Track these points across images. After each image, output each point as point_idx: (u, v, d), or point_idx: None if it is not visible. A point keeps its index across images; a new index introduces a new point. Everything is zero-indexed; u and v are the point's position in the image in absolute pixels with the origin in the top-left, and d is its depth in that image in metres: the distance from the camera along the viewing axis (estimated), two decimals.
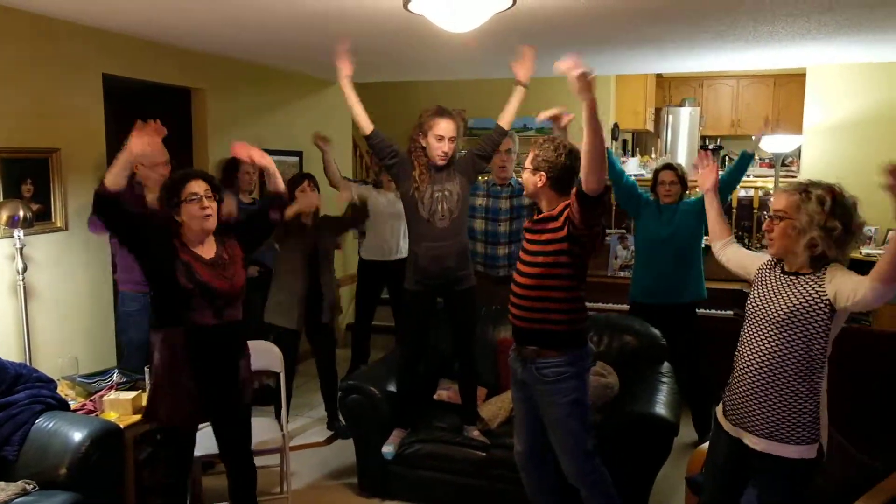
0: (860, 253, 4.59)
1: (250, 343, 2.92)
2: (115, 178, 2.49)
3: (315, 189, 4.11)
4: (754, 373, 2.27)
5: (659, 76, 9.20)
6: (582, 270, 2.69)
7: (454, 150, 3.36)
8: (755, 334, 2.29)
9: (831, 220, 2.15)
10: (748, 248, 4.69)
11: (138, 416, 3.02)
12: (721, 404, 2.46)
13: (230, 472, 2.89)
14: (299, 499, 3.55)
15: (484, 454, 3.36)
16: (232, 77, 4.88)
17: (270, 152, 5.12)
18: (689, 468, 2.92)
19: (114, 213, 2.53)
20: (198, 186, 2.61)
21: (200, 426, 2.87)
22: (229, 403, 2.76)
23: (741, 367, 2.33)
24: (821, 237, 2.16)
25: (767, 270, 2.36)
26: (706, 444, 2.94)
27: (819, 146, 5.32)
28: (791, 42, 4.14)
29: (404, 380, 3.55)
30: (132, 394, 3.09)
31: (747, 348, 2.32)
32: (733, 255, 2.58)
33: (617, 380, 3.49)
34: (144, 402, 3.10)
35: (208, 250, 2.70)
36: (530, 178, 2.69)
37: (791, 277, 2.25)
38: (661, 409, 3.09)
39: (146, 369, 3.19)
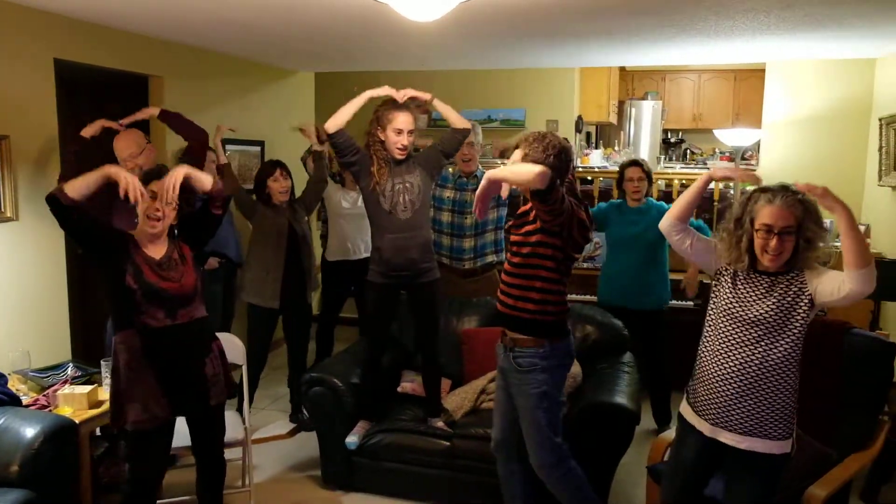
0: None
1: None
2: (78, 191, 2.43)
3: (288, 177, 4.09)
4: (740, 375, 2.27)
5: (622, 69, 9.28)
6: (564, 264, 2.68)
7: (412, 143, 3.34)
8: (737, 336, 2.29)
9: (819, 227, 2.23)
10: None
11: (94, 411, 2.95)
12: (687, 403, 2.47)
13: (200, 466, 2.86)
14: (262, 492, 3.51)
15: (448, 444, 3.36)
16: (191, 65, 4.78)
17: (232, 142, 5.13)
18: (651, 456, 2.95)
19: (68, 217, 2.46)
20: (158, 188, 2.56)
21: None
22: (197, 402, 2.72)
23: (722, 369, 2.31)
24: (822, 238, 2.23)
25: (736, 271, 2.36)
26: (667, 433, 2.99)
27: (778, 140, 5.41)
28: (751, 37, 4.20)
29: (368, 372, 3.53)
30: (87, 388, 3.01)
31: (728, 350, 2.30)
32: (698, 244, 2.49)
33: (580, 370, 3.51)
34: (100, 396, 3.05)
35: (158, 250, 2.64)
36: None
37: (770, 278, 2.28)
38: (622, 398, 3.12)
39: (102, 363, 3.12)
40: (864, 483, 3.49)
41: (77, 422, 2.85)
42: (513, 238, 2.75)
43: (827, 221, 4.90)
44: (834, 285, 2.17)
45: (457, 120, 3.48)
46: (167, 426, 2.66)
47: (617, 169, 4.36)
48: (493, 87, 7.82)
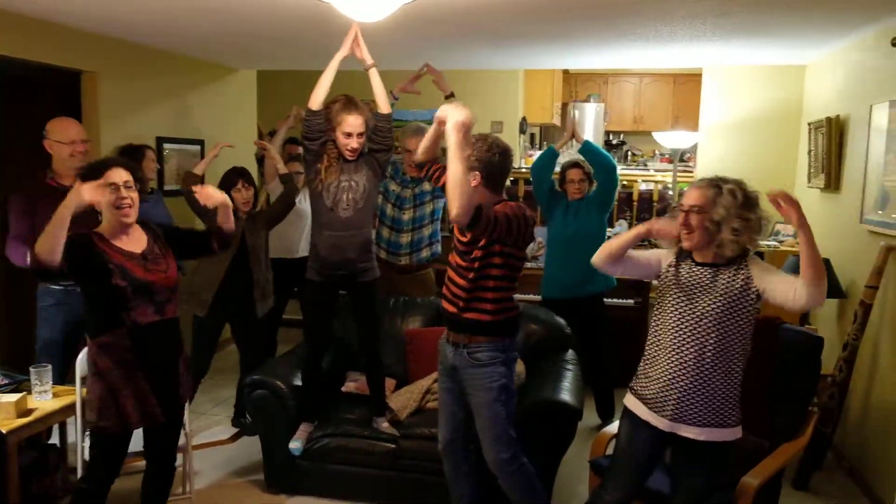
0: None
1: None
2: (53, 251, 2.29)
3: (250, 187, 4.01)
4: (693, 368, 2.33)
5: (565, 72, 9.42)
6: (513, 267, 2.70)
7: (363, 145, 3.32)
8: (688, 331, 2.35)
9: (745, 212, 2.28)
10: (646, 239, 4.92)
11: (22, 420, 2.83)
12: (637, 399, 2.51)
13: (151, 471, 2.80)
14: (203, 498, 3.44)
15: (393, 445, 3.35)
16: (127, 61, 4.64)
17: (170, 140, 5.00)
18: (593, 451, 3.00)
19: (61, 274, 2.39)
20: (117, 176, 2.49)
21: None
22: (173, 402, 2.69)
23: (674, 363, 2.36)
24: (742, 227, 2.28)
25: (678, 265, 2.43)
26: (609, 428, 3.04)
27: (714, 143, 5.58)
28: (689, 42, 4.32)
29: (310, 372, 3.50)
30: (15, 396, 2.89)
31: (681, 345, 2.35)
32: (629, 264, 2.56)
33: (524, 368, 3.55)
34: (29, 405, 2.93)
35: (136, 243, 2.59)
36: None
37: (712, 269, 2.34)
38: (565, 395, 3.16)
39: (32, 370, 3.00)
40: (795, 471, 3.63)
41: (4, 431, 2.73)
42: (460, 246, 2.71)
43: (780, 225, 5.11)
44: (788, 291, 2.24)
45: (382, 103, 3.36)
46: (131, 432, 2.62)
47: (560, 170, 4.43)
48: (437, 88, 7.84)
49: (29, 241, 3.14)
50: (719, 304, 2.31)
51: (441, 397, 2.93)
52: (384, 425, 3.43)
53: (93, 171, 2.50)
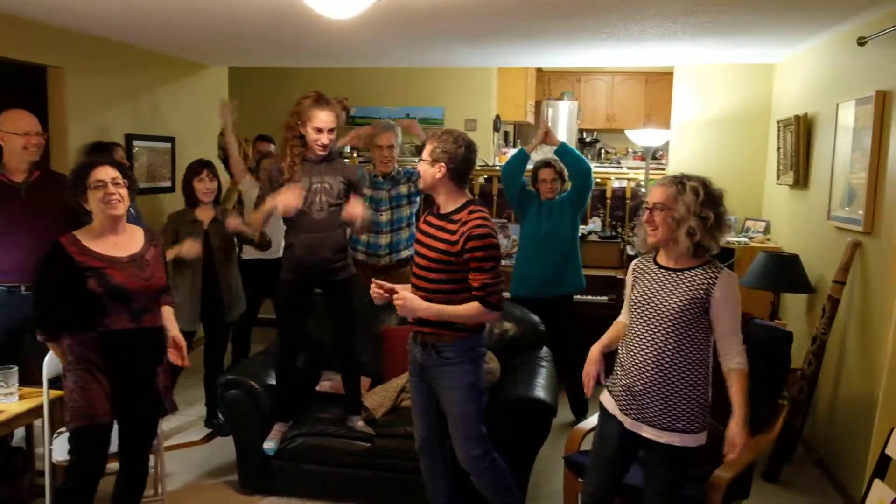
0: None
1: None
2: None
3: (214, 179, 3.96)
4: (653, 369, 2.36)
5: (539, 70, 9.47)
6: None
7: (333, 142, 3.30)
8: (647, 331, 2.38)
9: (705, 210, 2.30)
10: (620, 236, 4.94)
11: None
12: (609, 393, 2.54)
13: (124, 473, 2.76)
14: (176, 500, 3.40)
15: (368, 444, 3.34)
16: (95, 56, 4.56)
17: (141, 137, 4.93)
18: (568, 447, 3.02)
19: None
20: (104, 173, 2.50)
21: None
22: (143, 412, 2.67)
23: (636, 363, 2.40)
24: (697, 226, 2.29)
25: (644, 267, 2.47)
26: (583, 424, 3.06)
27: (685, 141, 5.64)
28: (659, 41, 4.36)
29: (285, 372, 3.47)
30: None
31: (640, 345, 2.39)
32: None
33: (498, 365, 3.56)
34: None
35: (127, 246, 2.58)
36: (429, 170, 2.66)
37: (678, 273, 2.37)
38: (540, 392, 3.18)
39: None
40: (766, 464, 3.68)
41: None
42: (427, 240, 2.70)
43: (732, 218, 5.18)
44: (722, 348, 2.35)
45: None
46: (108, 432, 2.60)
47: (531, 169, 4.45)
48: (412, 86, 7.83)
49: None
50: (677, 306, 2.33)
51: (413, 396, 2.93)
52: (359, 424, 3.41)
53: (80, 172, 2.52)
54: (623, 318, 2.63)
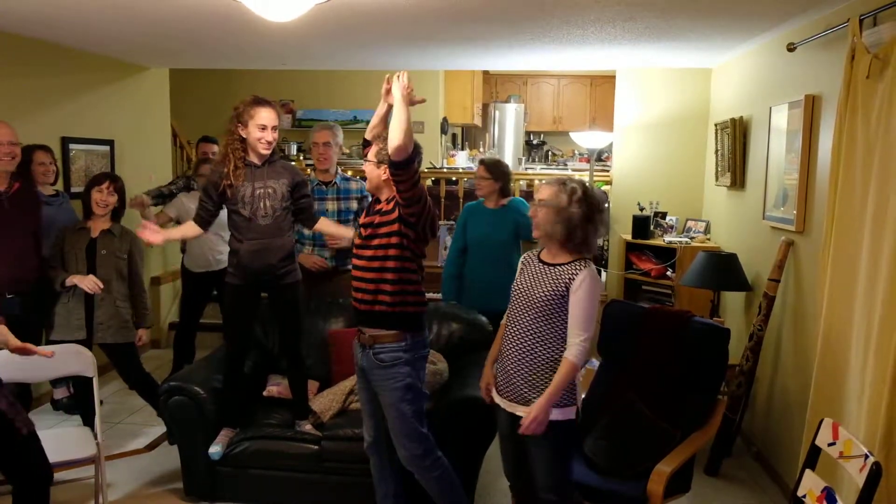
0: (663, 241, 5.05)
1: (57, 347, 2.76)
2: None
3: (114, 195, 3.74)
4: (520, 347, 2.56)
5: (486, 73, 9.54)
6: (416, 255, 2.75)
7: (276, 140, 3.27)
8: (519, 316, 2.58)
9: (575, 207, 2.49)
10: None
11: None
12: (495, 389, 2.70)
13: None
14: None
15: (316, 447, 3.31)
16: (22, 56, 4.39)
17: (77, 140, 4.79)
18: None
19: None
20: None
21: None
22: None
23: (509, 346, 2.61)
24: (572, 224, 2.50)
25: (529, 260, 2.68)
26: None
27: (628, 143, 5.74)
28: (600, 46, 4.44)
29: (232, 377, 3.42)
30: None
31: (513, 329, 2.60)
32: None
33: (446, 366, 3.57)
34: None
35: None
36: (374, 171, 2.72)
37: (550, 267, 2.56)
38: None
39: None
40: (706, 458, 3.79)
41: None
42: (363, 232, 2.76)
43: (673, 219, 5.31)
44: (569, 329, 2.49)
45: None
46: None
47: None
48: (359, 88, 7.81)
49: None
50: (544, 295, 2.52)
51: (360, 397, 2.97)
52: (307, 427, 3.39)
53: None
54: (505, 318, 2.78)
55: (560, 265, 2.54)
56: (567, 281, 2.50)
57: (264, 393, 3.69)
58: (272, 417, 3.48)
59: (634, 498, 2.69)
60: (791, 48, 3.54)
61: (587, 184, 2.61)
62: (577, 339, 2.47)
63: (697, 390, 3.11)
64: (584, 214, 2.50)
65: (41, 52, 4.54)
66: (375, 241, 2.70)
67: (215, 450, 3.31)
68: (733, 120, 4.50)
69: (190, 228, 3.39)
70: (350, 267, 4.13)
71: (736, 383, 3.83)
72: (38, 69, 4.52)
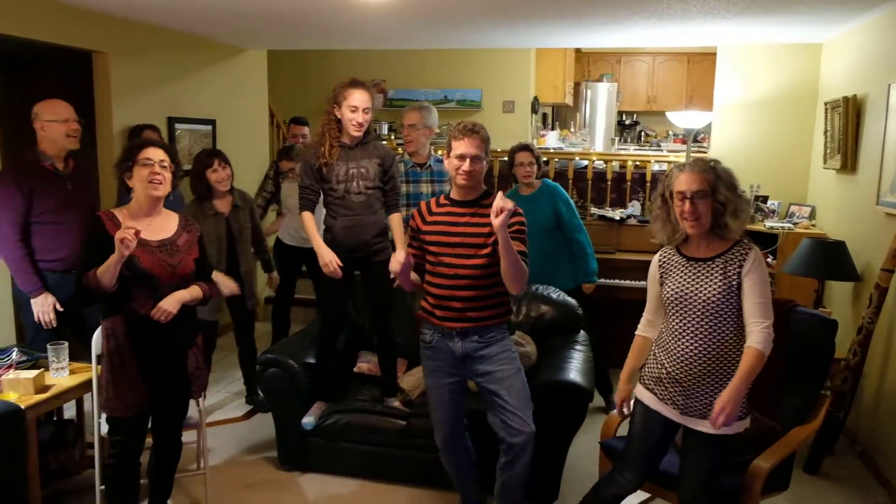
0: (764, 226, 4.83)
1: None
2: (111, 278, 2.44)
3: (227, 167, 3.92)
4: (701, 363, 2.34)
5: (578, 51, 9.34)
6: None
7: (369, 122, 3.32)
8: (688, 325, 2.36)
9: (734, 194, 2.30)
10: (643, 216, 4.75)
11: (40, 396, 2.87)
12: (645, 388, 2.52)
13: (157, 448, 2.86)
14: (217, 474, 3.48)
15: (404, 423, 3.37)
16: (138, 40, 4.63)
17: (182, 120, 5.01)
18: (604, 432, 3.00)
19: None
20: (154, 153, 2.57)
21: None
22: (173, 395, 2.74)
23: (680, 359, 2.38)
24: (730, 209, 2.30)
25: (671, 261, 2.45)
26: (616, 412, 3.03)
27: (728, 123, 5.52)
28: (702, 20, 4.25)
29: (323, 352, 3.52)
30: (33, 373, 2.92)
31: (683, 341, 2.37)
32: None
33: (535, 349, 3.55)
34: (47, 381, 2.97)
35: (159, 231, 2.63)
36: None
37: (709, 262, 2.35)
38: (576, 376, 3.17)
39: (49, 347, 3.04)
40: (806, 455, 3.62)
41: (23, 407, 2.77)
42: (473, 239, 2.67)
43: (775, 203, 5.06)
44: (748, 314, 2.29)
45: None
46: (141, 417, 2.68)
47: (574, 150, 4.37)
48: (449, 68, 7.80)
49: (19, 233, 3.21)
50: (716, 297, 2.31)
51: (436, 396, 2.85)
52: (395, 404, 3.45)
53: (131, 149, 2.58)
54: (643, 329, 2.62)
55: (720, 255, 2.34)
56: (737, 269, 2.30)
57: (354, 369, 3.78)
58: (362, 393, 3.57)
59: (730, 492, 2.60)
60: None
61: (713, 162, 2.37)
62: (758, 327, 2.25)
63: (800, 384, 2.96)
64: (732, 201, 2.30)
65: (151, 36, 4.76)
66: (485, 251, 2.66)
67: (308, 420, 3.42)
68: (846, 98, 4.23)
69: (306, 219, 3.38)
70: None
71: (841, 378, 3.64)
72: (148, 52, 4.75)
